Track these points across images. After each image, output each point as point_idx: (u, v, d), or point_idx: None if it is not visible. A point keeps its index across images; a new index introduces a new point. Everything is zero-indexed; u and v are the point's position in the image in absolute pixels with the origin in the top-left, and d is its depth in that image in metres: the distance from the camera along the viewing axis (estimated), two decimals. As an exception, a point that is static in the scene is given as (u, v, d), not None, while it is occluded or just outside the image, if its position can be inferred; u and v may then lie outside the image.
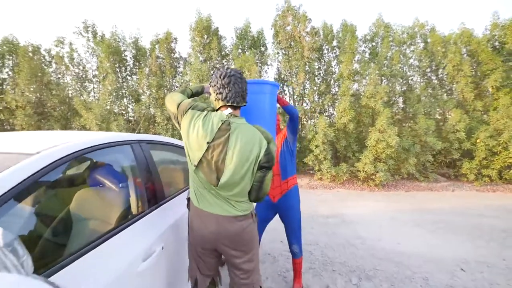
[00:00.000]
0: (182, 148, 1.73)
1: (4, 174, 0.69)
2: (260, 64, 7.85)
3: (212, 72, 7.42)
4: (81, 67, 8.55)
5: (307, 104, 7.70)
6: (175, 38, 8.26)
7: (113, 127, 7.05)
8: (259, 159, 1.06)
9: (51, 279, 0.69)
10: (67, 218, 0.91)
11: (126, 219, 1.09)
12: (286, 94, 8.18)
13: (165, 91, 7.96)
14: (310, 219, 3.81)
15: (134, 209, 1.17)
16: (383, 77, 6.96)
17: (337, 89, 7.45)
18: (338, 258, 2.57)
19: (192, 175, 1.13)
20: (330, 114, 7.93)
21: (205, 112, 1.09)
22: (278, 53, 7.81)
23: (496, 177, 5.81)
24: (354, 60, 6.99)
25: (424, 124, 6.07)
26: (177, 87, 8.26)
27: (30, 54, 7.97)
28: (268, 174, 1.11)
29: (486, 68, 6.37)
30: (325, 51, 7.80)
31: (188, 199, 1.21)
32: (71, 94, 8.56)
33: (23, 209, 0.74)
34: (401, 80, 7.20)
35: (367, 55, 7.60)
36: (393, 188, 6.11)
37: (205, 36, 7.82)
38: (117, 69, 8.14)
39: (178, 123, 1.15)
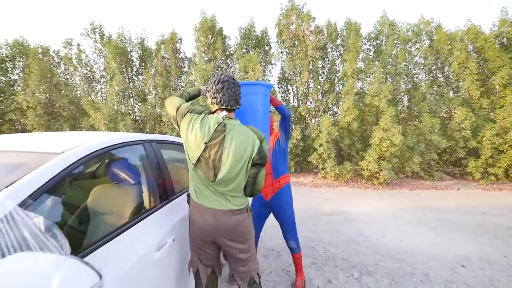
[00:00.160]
0: None
1: (38, 170, 0.78)
2: (264, 64, 7.90)
3: (215, 72, 7.54)
4: (88, 68, 8.75)
5: (311, 103, 7.73)
6: (180, 39, 8.37)
7: (120, 127, 7.21)
8: (252, 157, 1.16)
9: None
10: (91, 210, 1.01)
11: (141, 213, 1.19)
12: (290, 93, 8.22)
13: (171, 91, 8.09)
14: (314, 216, 3.87)
15: (147, 204, 1.26)
16: (387, 75, 6.94)
17: (341, 88, 7.45)
18: (340, 254, 2.64)
19: (191, 172, 1.22)
20: (334, 112, 7.96)
21: (202, 115, 1.19)
22: (282, 52, 7.85)
23: (502, 176, 5.76)
24: (358, 59, 6.98)
25: (429, 122, 6.04)
26: (182, 87, 8.37)
27: (40, 55, 8.20)
28: (262, 170, 1.21)
29: (493, 66, 6.29)
30: (329, 50, 7.81)
31: (188, 195, 1.31)
32: (80, 94, 8.77)
33: (54, 201, 0.83)
34: (406, 78, 7.16)
35: (371, 53, 7.57)
36: (397, 186, 6.11)
37: (210, 36, 7.91)
38: (124, 70, 8.30)
39: (178, 125, 1.24)
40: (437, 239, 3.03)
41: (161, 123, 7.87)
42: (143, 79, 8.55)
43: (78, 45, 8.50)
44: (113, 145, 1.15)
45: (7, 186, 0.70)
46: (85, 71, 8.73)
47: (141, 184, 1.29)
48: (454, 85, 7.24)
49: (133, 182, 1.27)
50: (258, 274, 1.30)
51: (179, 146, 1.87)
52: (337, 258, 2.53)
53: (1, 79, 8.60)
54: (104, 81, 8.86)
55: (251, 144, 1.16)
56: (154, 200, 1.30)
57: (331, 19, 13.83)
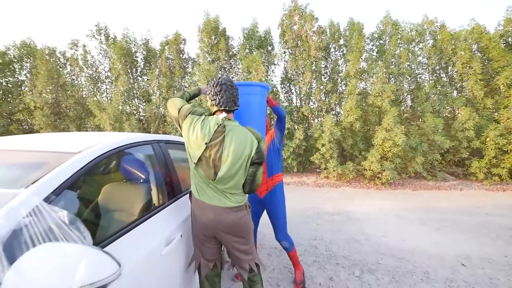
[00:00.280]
0: None
1: (59, 169, 0.84)
2: (267, 64, 7.95)
3: (219, 72, 7.61)
4: (94, 69, 8.87)
5: (313, 103, 7.76)
6: (184, 39, 8.45)
7: (125, 127, 7.32)
8: (251, 157, 1.23)
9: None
10: (105, 206, 1.07)
11: (150, 209, 1.25)
12: (293, 93, 8.26)
13: (175, 91, 8.17)
14: (316, 216, 3.91)
15: (156, 201, 1.32)
16: (390, 75, 6.94)
17: (343, 88, 7.46)
18: (342, 252, 2.68)
19: (192, 171, 1.28)
20: (336, 113, 7.96)
21: (203, 117, 1.26)
22: (285, 52, 7.88)
23: (506, 176, 5.73)
24: (361, 59, 6.98)
25: (432, 122, 6.02)
26: (186, 87, 8.46)
27: (47, 57, 8.34)
28: (260, 169, 1.29)
29: (497, 65, 6.25)
30: (332, 50, 7.82)
31: (190, 193, 1.37)
32: (85, 94, 8.90)
33: (73, 196, 0.90)
34: (409, 78, 7.15)
35: (374, 53, 7.56)
36: (400, 186, 6.12)
37: (213, 37, 7.97)
38: (129, 70, 8.42)
39: (180, 126, 1.31)
40: (439, 238, 3.05)
41: (165, 123, 7.96)
42: (147, 79, 8.65)
43: (84, 46, 8.64)
44: (125, 145, 1.22)
45: (32, 183, 0.76)
46: (90, 72, 8.86)
47: (150, 182, 1.36)
48: (457, 85, 7.20)
49: (143, 180, 1.33)
50: (256, 264, 1.36)
51: (183, 146, 1.94)
52: (338, 257, 2.58)
53: (9, 80, 8.78)
54: (109, 82, 8.98)
55: (249, 144, 1.23)
56: (162, 198, 1.36)
57: (334, 19, 13.85)
